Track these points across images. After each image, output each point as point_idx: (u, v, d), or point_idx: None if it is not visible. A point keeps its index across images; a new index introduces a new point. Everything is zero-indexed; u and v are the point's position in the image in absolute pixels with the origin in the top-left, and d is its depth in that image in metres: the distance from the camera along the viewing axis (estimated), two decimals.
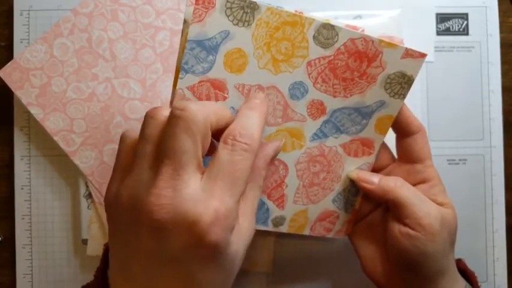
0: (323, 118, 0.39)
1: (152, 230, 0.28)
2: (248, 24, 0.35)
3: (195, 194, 0.28)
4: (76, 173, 0.49)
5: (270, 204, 0.40)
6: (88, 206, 0.49)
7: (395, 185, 0.39)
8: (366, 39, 0.37)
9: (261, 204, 0.40)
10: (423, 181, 0.40)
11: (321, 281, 0.51)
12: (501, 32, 0.51)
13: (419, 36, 0.51)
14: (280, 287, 0.50)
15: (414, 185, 0.40)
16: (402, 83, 0.39)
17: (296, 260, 0.50)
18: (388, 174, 0.42)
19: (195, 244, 0.28)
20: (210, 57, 0.35)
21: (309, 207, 0.42)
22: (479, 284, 0.42)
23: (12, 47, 0.49)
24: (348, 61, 0.37)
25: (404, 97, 0.39)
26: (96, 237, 0.48)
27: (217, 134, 0.32)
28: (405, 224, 0.38)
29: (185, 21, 0.34)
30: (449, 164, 0.51)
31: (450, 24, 0.51)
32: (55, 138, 0.48)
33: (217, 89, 0.36)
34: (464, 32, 0.51)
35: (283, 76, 0.37)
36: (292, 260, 0.50)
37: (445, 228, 0.38)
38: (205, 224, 0.28)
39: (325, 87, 0.38)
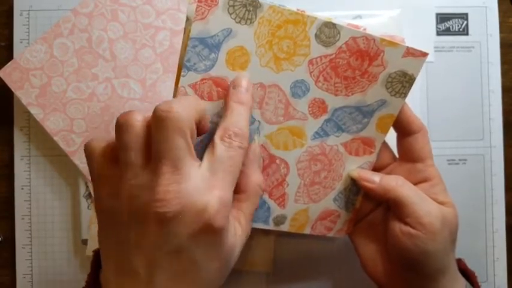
0: (324, 117, 0.39)
1: (160, 223, 0.30)
2: (250, 22, 0.35)
3: (199, 184, 0.31)
4: (76, 173, 0.49)
5: (271, 203, 0.40)
6: (88, 206, 0.49)
7: (396, 184, 0.39)
8: (368, 38, 0.37)
9: (262, 203, 0.40)
10: (424, 180, 0.40)
11: (321, 281, 0.50)
12: (501, 32, 0.52)
13: (419, 36, 0.51)
14: (280, 286, 0.50)
15: (415, 184, 0.40)
16: (403, 82, 0.39)
17: (296, 260, 0.50)
18: (389, 173, 0.42)
19: (202, 230, 0.30)
20: (212, 55, 0.35)
21: (310, 206, 0.41)
22: (479, 284, 0.42)
23: (12, 47, 0.49)
24: (350, 60, 0.37)
25: (405, 96, 0.39)
26: (96, 237, 0.48)
27: (197, 123, 0.33)
28: (406, 223, 0.38)
29: (187, 19, 0.34)
30: (449, 164, 0.51)
31: (450, 24, 0.51)
32: (55, 138, 0.48)
33: (219, 87, 0.36)
34: (464, 32, 0.51)
35: (284, 74, 0.37)
36: (293, 259, 0.50)
37: (446, 227, 0.38)
38: (212, 210, 0.30)
39: (327, 86, 0.38)
